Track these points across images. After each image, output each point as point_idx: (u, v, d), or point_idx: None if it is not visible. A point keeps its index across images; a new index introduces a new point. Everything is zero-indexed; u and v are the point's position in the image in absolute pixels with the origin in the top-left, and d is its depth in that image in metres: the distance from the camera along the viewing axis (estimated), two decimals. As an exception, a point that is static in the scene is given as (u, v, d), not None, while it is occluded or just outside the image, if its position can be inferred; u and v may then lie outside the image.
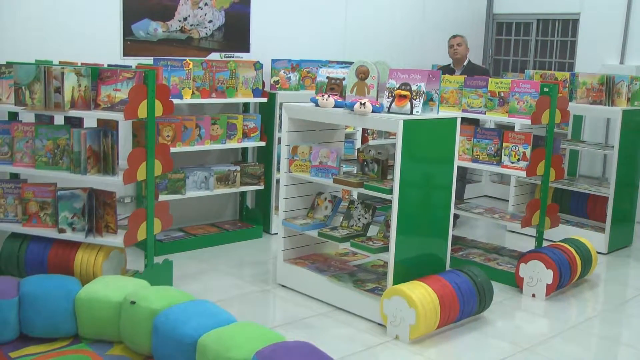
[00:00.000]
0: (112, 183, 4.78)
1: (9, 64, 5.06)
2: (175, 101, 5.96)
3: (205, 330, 3.75)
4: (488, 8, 9.80)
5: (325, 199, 5.50)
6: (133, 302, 4.12)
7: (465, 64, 7.56)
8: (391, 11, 8.46)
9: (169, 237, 6.41)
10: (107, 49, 6.10)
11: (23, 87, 4.86)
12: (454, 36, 7.66)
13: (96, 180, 4.82)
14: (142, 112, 4.71)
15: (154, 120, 4.83)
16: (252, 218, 7.05)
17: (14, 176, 5.27)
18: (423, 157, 4.82)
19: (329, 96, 5.05)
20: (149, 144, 4.83)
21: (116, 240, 4.82)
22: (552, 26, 9.42)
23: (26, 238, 5.07)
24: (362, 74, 4.98)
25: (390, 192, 4.69)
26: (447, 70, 7.52)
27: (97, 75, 4.85)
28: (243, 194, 7.09)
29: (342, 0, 7.89)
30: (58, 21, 5.81)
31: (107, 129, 4.83)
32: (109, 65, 5.39)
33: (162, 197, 6.13)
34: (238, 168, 6.62)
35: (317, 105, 5.09)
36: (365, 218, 5.21)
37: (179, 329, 3.80)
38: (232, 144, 6.58)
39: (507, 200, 7.81)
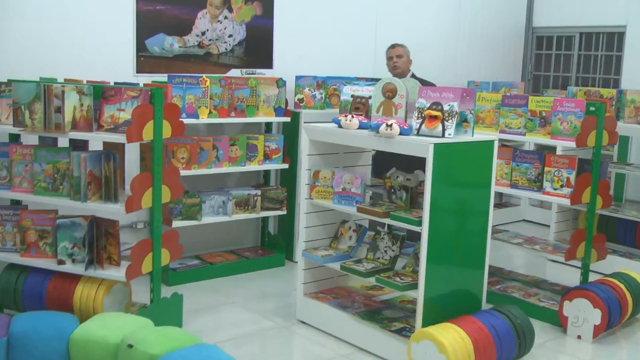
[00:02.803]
0: (115, 211, 4.38)
1: (10, 82, 4.72)
2: (191, 121, 5.64)
3: (206, 382, 3.33)
4: (527, 21, 9.30)
5: (350, 228, 5.05)
6: (130, 346, 3.70)
7: (407, 78, 6.55)
8: (424, 25, 8.01)
9: (184, 266, 6.01)
10: (120, 65, 5.73)
11: (22, 107, 4.50)
12: (393, 46, 6.59)
13: (98, 208, 4.43)
14: (147, 134, 4.32)
15: (162, 143, 4.43)
16: (275, 245, 6.62)
17: (17, 202, 4.90)
18: (456, 184, 4.35)
19: (352, 116, 4.61)
20: (155, 169, 4.43)
21: (118, 273, 4.42)
22: (596, 40, 8.88)
23: (25, 269, 4.69)
24: (390, 92, 4.54)
25: (419, 223, 4.22)
26: None
27: (101, 93, 4.47)
28: (265, 220, 6.66)
29: (372, 13, 7.46)
30: (67, 36, 5.48)
31: (109, 152, 4.45)
32: (115, 83, 5.01)
33: (177, 224, 5.73)
34: (259, 192, 6.21)
35: (339, 126, 4.66)
36: (393, 250, 4.74)
37: (177, 380, 3.38)
38: (253, 167, 6.17)
39: (548, 226, 7.26)
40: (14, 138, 4.89)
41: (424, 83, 6.23)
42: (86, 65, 5.51)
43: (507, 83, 8.38)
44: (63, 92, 4.34)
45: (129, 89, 4.40)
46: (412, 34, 7.81)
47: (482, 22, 8.67)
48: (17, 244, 4.71)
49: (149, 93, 4.34)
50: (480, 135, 4.67)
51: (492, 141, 4.53)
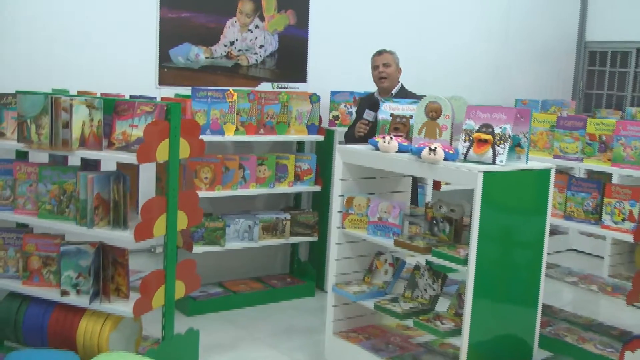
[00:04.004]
0: (123, 239, 3.93)
1: (17, 93, 4.32)
2: (216, 138, 5.24)
3: None
4: (579, 35, 8.72)
5: (386, 260, 4.56)
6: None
7: (395, 91, 5.56)
8: (470, 39, 7.50)
9: (205, 294, 5.56)
10: (141, 77, 5.36)
11: (28, 121, 4.10)
12: (380, 52, 5.58)
13: (105, 235, 3.99)
14: (161, 154, 3.87)
15: (178, 164, 3.99)
16: (304, 273, 6.15)
17: (23, 225, 4.49)
18: (507, 217, 3.83)
19: (391, 138, 4.13)
20: (170, 192, 3.98)
21: (126, 308, 3.95)
22: (655, 57, 8.29)
23: (26, 298, 4.27)
24: (433, 111, 4.04)
25: (465, 262, 3.71)
26: (369, 101, 5.48)
27: (113, 108, 4.05)
28: (295, 246, 6.19)
29: (414, 25, 6.97)
30: (83, 45, 5.12)
31: (120, 173, 4.01)
32: (131, 97, 4.60)
33: (198, 249, 5.31)
34: (288, 216, 5.75)
35: (377, 148, 4.17)
36: (433, 289, 4.23)
37: None
38: (282, 188, 5.71)
39: (600, 257, 6.67)
40: (22, 155, 4.48)
41: (415, 98, 5.19)
42: (104, 76, 5.13)
43: (558, 101, 7.85)
44: (71, 105, 3.93)
45: (143, 104, 3.97)
46: (456, 49, 7.35)
47: (531, 36, 8.13)
48: (19, 270, 4.30)
49: (165, 108, 3.90)
50: (535, 162, 4.14)
51: (549, 169, 4.00)
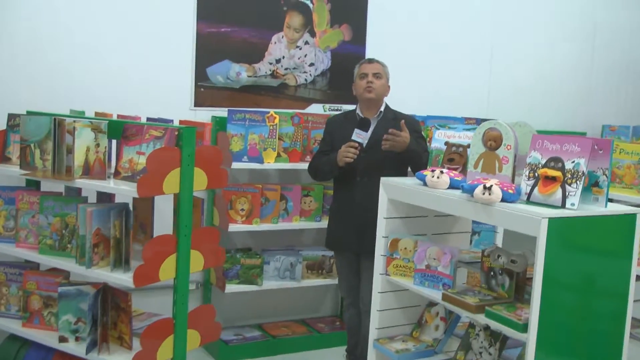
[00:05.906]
0: (125, 283, 3.41)
1: (26, 115, 3.90)
2: (253, 166, 4.71)
3: None
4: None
5: (437, 314, 3.90)
6: None
7: (382, 109, 4.61)
8: (550, 57, 6.74)
9: (240, 338, 5.02)
10: (174, 97, 4.88)
11: (32, 145, 3.66)
12: (371, 60, 4.64)
13: (103, 277, 3.48)
14: (170, 186, 3.35)
15: (191, 197, 3.46)
16: (355, 315, 5.53)
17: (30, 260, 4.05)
18: (579, 273, 3.12)
19: (442, 172, 3.48)
20: (181, 230, 3.45)
21: (126, 361, 3.45)
22: None
23: (27, 342, 3.85)
24: (492, 140, 3.38)
25: (525, 329, 3.02)
26: (349, 119, 4.56)
27: (122, 132, 3.56)
28: (344, 285, 5.59)
29: (484, 41, 6.28)
30: (111, 62, 4.70)
31: (124, 206, 3.52)
32: (148, 119, 4.12)
33: (232, 288, 4.81)
34: (336, 253, 5.16)
35: (424, 184, 3.54)
36: (490, 353, 3.55)
37: None
38: (330, 222, 5.13)
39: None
40: (33, 183, 4.08)
41: (406, 120, 4.53)
42: (133, 97, 4.70)
43: (652, 128, 7.00)
44: (74, 128, 3.46)
45: (152, 127, 3.47)
46: (533, 68, 6.60)
47: (619, 53, 7.28)
48: (21, 309, 3.86)
49: (176, 133, 3.39)
50: (617, 205, 3.41)
51: (634, 215, 3.26)
